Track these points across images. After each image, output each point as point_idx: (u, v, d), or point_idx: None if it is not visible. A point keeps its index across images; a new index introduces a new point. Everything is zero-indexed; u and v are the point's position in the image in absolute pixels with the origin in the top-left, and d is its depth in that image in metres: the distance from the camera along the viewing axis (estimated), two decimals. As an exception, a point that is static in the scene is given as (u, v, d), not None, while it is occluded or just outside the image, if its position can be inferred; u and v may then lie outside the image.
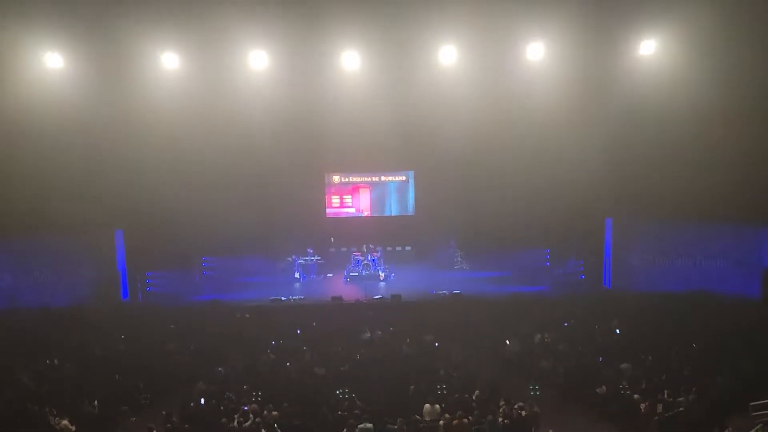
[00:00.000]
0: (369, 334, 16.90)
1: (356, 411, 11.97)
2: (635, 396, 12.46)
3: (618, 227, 20.86)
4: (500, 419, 11.48)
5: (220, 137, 20.72)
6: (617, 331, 16.49)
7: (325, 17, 16.47)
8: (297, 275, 22.12)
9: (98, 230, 20.23)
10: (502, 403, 12.06)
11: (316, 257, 22.52)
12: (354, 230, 24.17)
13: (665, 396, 12.23)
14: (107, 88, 18.41)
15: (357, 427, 11.11)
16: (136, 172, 19.97)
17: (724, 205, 17.98)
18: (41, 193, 18.65)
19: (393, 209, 24.93)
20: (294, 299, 19.22)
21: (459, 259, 23.76)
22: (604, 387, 13.22)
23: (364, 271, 21.95)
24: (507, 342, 16.27)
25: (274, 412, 11.90)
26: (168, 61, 18.02)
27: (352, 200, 24.69)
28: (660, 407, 11.90)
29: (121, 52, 17.49)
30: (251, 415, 11.77)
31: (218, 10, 16.02)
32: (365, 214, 24.82)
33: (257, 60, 18.12)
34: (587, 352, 15.34)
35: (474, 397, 12.72)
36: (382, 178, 24.82)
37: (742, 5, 16.09)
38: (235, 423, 11.52)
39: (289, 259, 22.35)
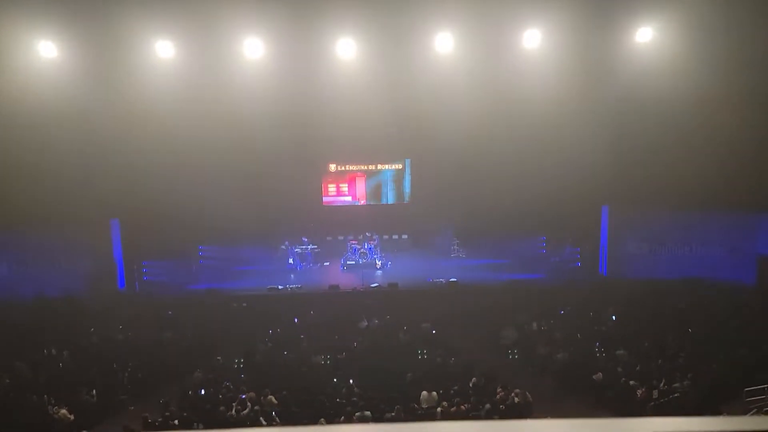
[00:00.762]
0: (366, 323, 16.96)
1: (354, 398, 12.04)
2: (631, 382, 12.56)
3: (614, 215, 20.90)
4: (500, 406, 11.57)
5: (216, 126, 20.60)
6: (613, 317, 16.59)
7: (321, 4, 16.34)
8: (291, 260, 22.13)
9: (94, 220, 20.15)
10: (499, 389, 12.14)
11: (311, 246, 22.51)
12: (350, 219, 24.18)
13: (661, 383, 12.31)
14: (102, 77, 18.28)
15: (355, 415, 11.17)
16: (132, 162, 19.86)
17: (719, 192, 18.05)
18: (36, 184, 18.55)
19: (389, 198, 24.91)
20: (291, 288, 19.24)
21: (455, 247, 23.79)
22: (600, 374, 13.31)
23: (360, 260, 21.97)
24: (503, 332, 16.35)
25: (270, 397, 11.96)
26: (163, 50, 17.88)
27: (348, 189, 24.64)
28: (656, 393, 12.00)
29: (116, 40, 17.34)
30: (249, 404, 11.82)
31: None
32: (361, 202, 24.80)
33: (252, 48, 17.99)
34: (583, 339, 15.43)
35: (471, 385, 12.80)
36: (379, 167, 24.77)
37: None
38: (233, 411, 11.57)
39: (283, 246, 22.35)
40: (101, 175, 19.42)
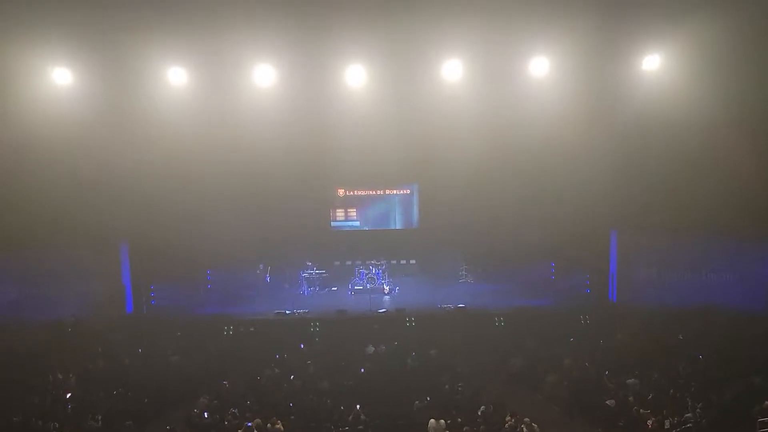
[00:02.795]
0: (373, 348, 16.85)
1: (360, 426, 11.92)
2: (642, 411, 12.37)
3: (623, 241, 20.80)
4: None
5: (226, 151, 20.81)
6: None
7: (331, 32, 16.56)
8: (268, 279, 22.31)
9: (104, 243, 20.29)
10: (508, 418, 11.98)
11: (318, 270, 22.44)
12: (358, 243, 24.21)
13: (673, 412, 12.12)
14: (115, 103, 18.51)
15: (361, 443, 11.06)
16: (143, 186, 20.06)
17: (729, 218, 17.96)
18: (48, 207, 18.71)
19: (397, 222, 24.92)
20: (298, 313, 19.18)
21: (464, 272, 23.70)
22: (613, 400, 13.12)
23: (368, 285, 21.92)
24: (511, 359, 16.20)
25: (278, 425, 11.85)
26: (175, 76, 18.14)
27: (356, 213, 24.71)
28: (667, 423, 11.80)
29: (129, 67, 17.61)
30: (255, 431, 11.70)
31: (224, 25, 16.15)
32: (370, 226, 24.81)
33: (264, 75, 18.22)
34: (592, 367, 15.25)
35: (479, 413, 12.65)
36: (387, 192, 24.84)
37: (746, 20, 16.11)
38: (239, 438, 11.47)
39: (258, 270, 22.32)
40: (112, 199, 19.58)
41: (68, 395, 14.19)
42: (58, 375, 14.98)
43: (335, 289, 22.76)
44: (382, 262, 22.77)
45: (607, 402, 13.14)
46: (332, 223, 24.60)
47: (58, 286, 19.92)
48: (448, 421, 12.11)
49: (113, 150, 19.24)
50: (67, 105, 18.02)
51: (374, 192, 24.70)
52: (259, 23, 16.10)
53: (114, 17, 15.89)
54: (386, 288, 21.86)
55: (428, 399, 13.33)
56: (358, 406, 12.79)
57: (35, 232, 18.80)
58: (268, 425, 11.84)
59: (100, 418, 12.85)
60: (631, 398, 13.14)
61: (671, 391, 13.19)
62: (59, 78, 17.68)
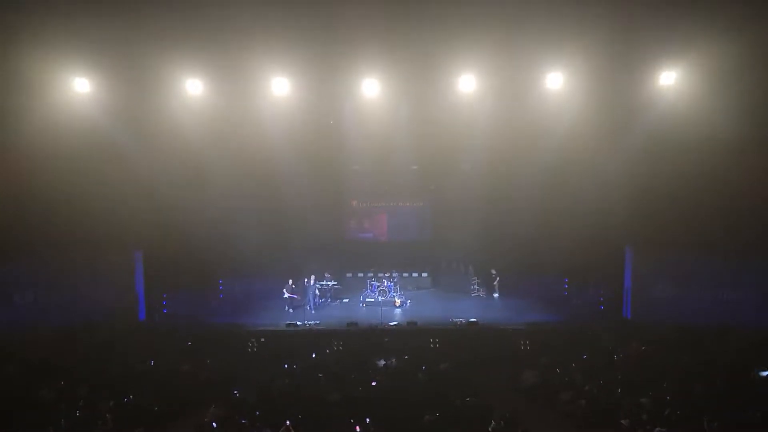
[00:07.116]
0: (384, 361, 16.78)
1: (370, 439, 11.84)
2: (656, 430, 12.17)
3: (638, 256, 20.60)
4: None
5: (241, 161, 21.01)
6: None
7: (346, 46, 16.70)
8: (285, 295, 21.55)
9: (119, 251, 20.47)
10: (519, 434, 11.85)
11: (332, 282, 22.44)
12: (371, 255, 24.22)
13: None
14: (132, 112, 18.78)
15: (371, 456, 10.98)
16: (158, 196, 20.24)
17: (748, 236, 17.74)
18: (64, 215, 18.92)
19: (410, 235, 24.91)
20: (309, 324, 19.18)
21: (476, 286, 23.59)
22: (628, 419, 12.93)
23: (380, 297, 21.88)
24: (523, 375, 16.05)
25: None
26: (192, 87, 18.36)
27: (369, 225, 24.75)
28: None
29: (147, 77, 17.86)
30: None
31: (242, 37, 16.35)
32: (382, 239, 24.82)
33: (279, 87, 18.39)
34: (606, 385, 15.04)
35: (490, 429, 12.51)
36: (400, 204, 24.87)
37: (765, 36, 16.00)
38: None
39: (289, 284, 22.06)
40: (127, 208, 19.75)
41: (79, 401, 14.25)
42: (70, 381, 15.06)
43: (347, 300, 22.75)
44: (394, 274, 22.73)
45: (621, 421, 12.95)
46: (346, 235, 24.65)
47: (72, 292, 20.10)
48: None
49: (130, 159, 19.49)
50: (85, 114, 18.29)
51: (388, 204, 24.76)
52: (275, 37, 16.27)
53: (133, 29, 16.11)
54: (398, 301, 21.81)
55: (438, 413, 13.21)
56: (368, 419, 12.72)
57: (51, 239, 19.02)
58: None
59: (110, 425, 12.87)
60: (645, 417, 12.95)
61: (686, 410, 12.97)
62: (79, 87, 17.96)
